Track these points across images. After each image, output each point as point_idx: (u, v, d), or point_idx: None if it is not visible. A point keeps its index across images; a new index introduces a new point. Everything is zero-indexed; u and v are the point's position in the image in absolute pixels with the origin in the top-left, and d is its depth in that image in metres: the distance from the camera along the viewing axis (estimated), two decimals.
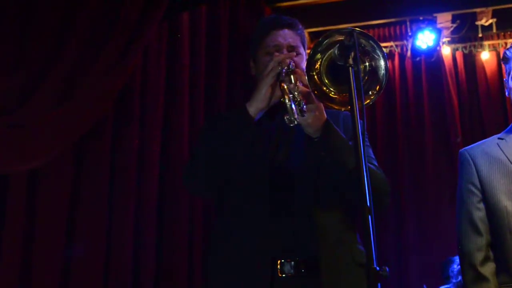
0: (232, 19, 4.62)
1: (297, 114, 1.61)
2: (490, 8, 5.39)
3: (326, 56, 1.60)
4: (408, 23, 5.88)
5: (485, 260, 2.02)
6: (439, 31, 5.66)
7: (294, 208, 1.78)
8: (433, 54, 5.91)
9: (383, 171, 1.85)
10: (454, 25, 5.71)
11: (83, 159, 3.12)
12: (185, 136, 3.87)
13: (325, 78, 1.62)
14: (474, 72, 5.97)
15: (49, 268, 2.80)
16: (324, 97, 1.63)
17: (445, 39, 5.92)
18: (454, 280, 4.21)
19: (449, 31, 5.81)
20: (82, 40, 2.86)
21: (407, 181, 5.77)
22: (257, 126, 1.77)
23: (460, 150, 2.21)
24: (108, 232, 3.21)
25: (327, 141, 1.71)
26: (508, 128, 2.19)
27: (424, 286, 4.41)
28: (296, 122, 1.62)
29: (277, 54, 1.85)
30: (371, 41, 1.55)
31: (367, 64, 1.59)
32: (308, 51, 1.78)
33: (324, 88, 1.63)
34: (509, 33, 5.86)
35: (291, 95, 1.65)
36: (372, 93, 1.59)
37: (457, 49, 6.02)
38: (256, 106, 1.75)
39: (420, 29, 5.66)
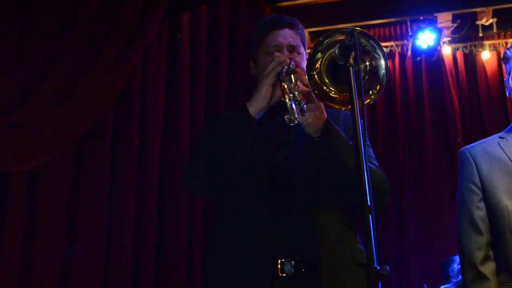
0: (232, 19, 4.62)
1: (298, 114, 1.61)
2: (491, 8, 5.39)
3: (326, 56, 1.60)
4: (408, 22, 5.88)
5: (485, 259, 2.02)
6: (439, 31, 5.66)
7: (294, 208, 1.78)
8: (433, 53, 5.91)
9: (383, 171, 1.85)
10: (455, 25, 5.71)
11: (83, 159, 3.12)
12: (185, 136, 3.87)
13: (325, 78, 1.62)
14: (474, 72, 5.97)
15: (49, 268, 2.80)
16: (324, 96, 1.63)
17: (445, 39, 5.92)
18: (454, 280, 4.21)
19: (449, 31, 5.81)
20: (82, 40, 2.85)
21: (408, 181, 5.77)
22: (258, 126, 1.77)
23: (461, 149, 2.21)
24: (108, 232, 3.20)
25: (328, 140, 1.71)
26: (509, 127, 2.19)
27: (425, 285, 4.41)
28: (296, 122, 1.61)
29: (277, 54, 1.85)
30: (371, 41, 1.55)
31: (367, 63, 1.59)
32: (309, 50, 1.78)
33: (325, 88, 1.63)
34: (509, 32, 5.86)
35: (291, 95, 1.65)
36: (373, 92, 1.59)
37: (457, 49, 6.02)
38: (256, 106, 1.75)
39: (420, 28, 5.66)
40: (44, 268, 2.77)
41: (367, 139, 1.85)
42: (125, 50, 3.04)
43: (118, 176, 3.32)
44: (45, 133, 2.65)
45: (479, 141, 2.21)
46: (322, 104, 1.69)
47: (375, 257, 1.23)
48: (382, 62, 1.57)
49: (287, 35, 1.93)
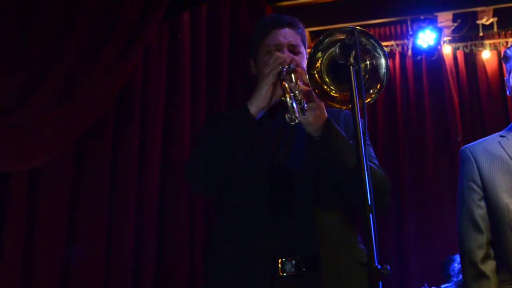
0: (233, 19, 4.61)
1: (298, 113, 1.61)
2: (491, 7, 5.38)
3: (327, 55, 1.60)
4: (409, 22, 5.88)
5: (486, 257, 2.02)
6: (440, 30, 5.66)
7: (295, 208, 1.78)
8: (434, 53, 5.90)
9: (383, 170, 1.85)
10: (455, 24, 5.71)
11: (84, 159, 3.12)
12: (185, 136, 3.87)
13: (326, 77, 1.62)
14: (475, 71, 5.97)
15: (50, 268, 2.80)
16: (325, 95, 1.63)
17: (446, 38, 5.92)
18: (455, 279, 4.21)
19: (450, 30, 5.81)
20: (82, 40, 2.85)
21: (408, 180, 5.77)
22: (258, 125, 1.77)
23: (461, 147, 2.21)
24: (109, 232, 3.20)
25: (328, 140, 1.71)
26: (509, 126, 2.19)
27: (425, 285, 4.40)
28: (297, 121, 1.61)
29: (277, 53, 1.85)
30: (372, 40, 1.55)
31: (368, 62, 1.59)
32: (309, 50, 1.78)
33: (325, 87, 1.63)
34: (510, 32, 5.86)
35: (292, 94, 1.65)
36: (373, 91, 1.59)
37: (458, 48, 6.02)
38: (257, 105, 1.75)
39: (421, 28, 5.66)
40: (44, 268, 2.77)
41: (367, 138, 1.85)
42: (125, 50, 3.04)
43: (119, 176, 3.31)
44: (45, 133, 2.65)
45: (479, 140, 2.21)
46: (322, 103, 1.69)
47: (375, 256, 1.23)
48: (383, 61, 1.57)
49: (287, 35, 1.93)
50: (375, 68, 1.58)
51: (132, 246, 3.33)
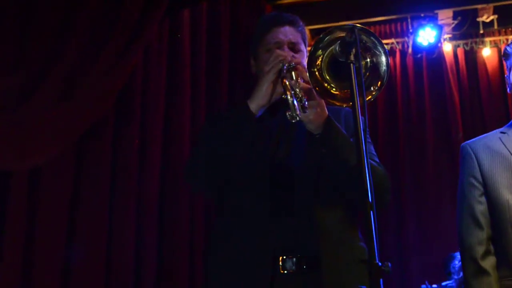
0: (233, 17, 4.61)
1: (299, 110, 1.61)
2: (491, 5, 5.38)
3: (327, 53, 1.60)
4: (409, 20, 5.87)
5: (486, 253, 2.02)
6: (440, 28, 5.66)
7: (295, 206, 1.78)
8: (434, 50, 5.90)
9: (384, 168, 1.85)
10: (455, 22, 5.70)
11: (84, 159, 3.12)
12: (186, 135, 3.86)
13: (326, 75, 1.62)
14: (475, 69, 5.97)
15: (50, 268, 2.79)
16: (325, 93, 1.63)
17: (446, 36, 5.92)
18: (455, 277, 4.21)
19: (450, 28, 5.80)
20: (82, 39, 2.85)
21: (408, 178, 5.77)
22: (258, 123, 1.77)
23: (462, 144, 2.21)
24: (109, 232, 3.20)
25: (329, 137, 1.71)
26: (510, 122, 2.20)
27: (426, 282, 4.41)
28: (298, 118, 1.61)
29: (278, 51, 1.85)
30: (372, 37, 1.55)
31: (368, 60, 1.59)
32: (309, 48, 1.78)
33: (326, 85, 1.63)
34: (510, 29, 5.85)
35: (292, 91, 1.65)
36: (374, 89, 1.59)
37: (458, 46, 6.01)
38: (257, 103, 1.75)
39: (421, 25, 5.66)
40: (44, 268, 2.76)
41: (368, 136, 1.85)
42: (125, 50, 3.04)
43: (119, 176, 3.31)
44: (45, 132, 2.65)
45: (480, 136, 2.21)
46: (323, 101, 1.69)
47: (376, 254, 1.23)
48: (383, 58, 1.57)
49: (287, 32, 1.93)
50: (375, 65, 1.58)
51: (133, 246, 3.33)
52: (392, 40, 6.07)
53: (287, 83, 1.68)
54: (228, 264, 1.77)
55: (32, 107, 2.60)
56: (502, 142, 2.10)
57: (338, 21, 5.10)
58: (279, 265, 1.72)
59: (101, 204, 3.13)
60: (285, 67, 1.74)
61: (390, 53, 6.00)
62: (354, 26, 1.47)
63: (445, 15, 5.62)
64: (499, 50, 5.79)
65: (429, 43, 5.73)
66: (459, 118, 5.79)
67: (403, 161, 5.81)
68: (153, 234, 3.53)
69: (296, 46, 1.93)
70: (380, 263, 1.22)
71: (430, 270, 5.06)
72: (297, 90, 1.65)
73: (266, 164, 1.82)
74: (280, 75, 1.73)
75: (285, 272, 1.72)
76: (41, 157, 2.66)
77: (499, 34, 5.87)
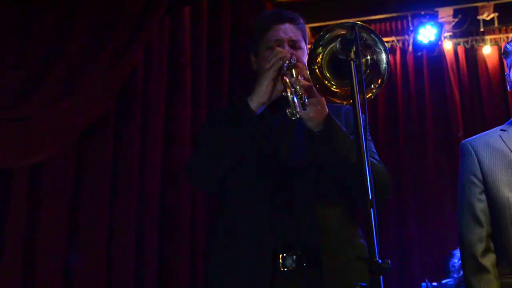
0: (234, 16, 4.60)
1: (299, 108, 1.61)
2: (492, 3, 5.37)
3: (327, 50, 1.60)
4: (409, 18, 5.86)
5: (486, 251, 2.03)
6: (440, 26, 5.65)
7: (295, 204, 1.78)
8: (434, 48, 5.89)
9: (384, 165, 1.85)
10: (456, 20, 5.70)
11: (85, 158, 3.12)
12: (186, 135, 3.86)
13: (326, 72, 1.62)
14: (475, 67, 5.96)
15: (51, 268, 2.80)
16: (325, 91, 1.63)
17: (446, 34, 5.91)
18: (455, 275, 4.21)
19: (450, 26, 5.80)
20: (82, 39, 2.86)
21: (408, 176, 5.76)
22: (259, 120, 1.77)
23: (462, 141, 2.22)
24: (110, 232, 3.20)
25: (329, 135, 1.71)
26: (510, 120, 2.20)
27: (426, 280, 4.41)
28: (298, 116, 1.61)
29: (278, 48, 1.85)
30: (372, 35, 1.55)
31: (368, 57, 1.59)
32: (309, 46, 1.78)
33: (326, 82, 1.63)
34: (511, 27, 5.84)
35: (293, 89, 1.65)
36: (374, 86, 1.59)
37: (458, 44, 6.00)
38: (257, 101, 1.75)
39: (421, 23, 5.65)
40: (45, 268, 2.77)
41: (368, 133, 1.85)
42: (125, 49, 3.04)
43: (120, 175, 3.31)
44: (45, 131, 2.65)
45: (480, 134, 2.22)
46: (323, 98, 1.69)
47: (376, 251, 1.24)
48: (383, 56, 1.57)
49: (288, 30, 1.93)
50: (376, 63, 1.59)
51: (133, 245, 3.33)
52: (393, 38, 6.06)
53: (287, 80, 1.68)
54: (228, 261, 1.78)
55: (32, 106, 2.60)
56: (502, 140, 2.11)
57: (338, 19, 5.08)
58: (279, 262, 1.72)
59: (101, 204, 3.13)
60: (285, 64, 1.74)
61: (391, 51, 5.99)
62: (354, 24, 1.47)
63: (446, 13, 5.61)
64: (500, 48, 5.78)
65: (430, 41, 5.72)
66: (460, 116, 5.78)
67: (403, 159, 5.81)
68: (154, 234, 3.52)
69: (296, 44, 1.93)
70: (380, 260, 1.22)
71: (430, 268, 5.06)
72: (297, 87, 1.65)
73: (266, 162, 1.82)
74: (280, 73, 1.73)
75: (285, 269, 1.72)
76: (41, 155, 2.67)
77: (500, 32, 5.86)
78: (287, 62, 1.74)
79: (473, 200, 2.08)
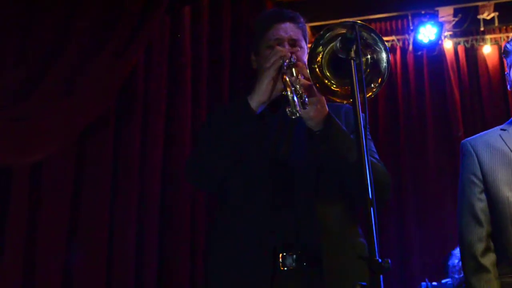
0: (234, 15, 4.60)
1: (299, 107, 1.61)
2: (492, 2, 5.37)
3: (327, 49, 1.60)
4: (409, 17, 5.86)
5: (486, 250, 2.03)
6: (441, 25, 5.65)
7: (295, 203, 1.78)
8: (435, 48, 5.89)
9: (384, 165, 1.85)
10: (456, 19, 5.69)
11: (85, 158, 3.11)
12: (187, 134, 3.85)
13: (326, 71, 1.62)
14: (476, 66, 5.96)
15: (51, 267, 2.79)
16: (326, 90, 1.63)
17: (447, 33, 5.91)
18: (456, 276, 4.21)
19: (451, 25, 5.79)
20: (82, 38, 2.86)
21: (408, 175, 5.76)
22: (259, 119, 1.77)
23: (462, 141, 2.22)
24: (110, 231, 3.20)
25: (329, 134, 1.71)
26: (510, 119, 2.20)
27: (426, 280, 4.41)
28: (298, 114, 1.61)
29: (278, 47, 1.85)
30: (373, 34, 1.55)
31: (369, 56, 1.59)
32: (310, 45, 1.78)
33: (326, 81, 1.63)
34: (511, 27, 5.84)
35: (293, 88, 1.65)
36: (374, 85, 1.59)
37: (459, 43, 6.00)
38: (257, 100, 1.74)
39: (422, 23, 5.65)
40: (46, 266, 2.76)
41: (368, 133, 1.85)
42: (125, 48, 3.04)
43: (120, 175, 3.31)
44: (45, 129, 2.65)
45: (480, 133, 2.22)
46: (323, 97, 1.69)
47: (376, 250, 1.23)
48: (384, 55, 1.57)
49: (288, 29, 1.93)
50: (376, 62, 1.59)
51: (134, 245, 3.32)
52: (393, 37, 6.06)
53: (287, 79, 1.68)
54: (228, 261, 1.78)
55: (33, 105, 2.60)
56: (502, 139, 2.11)
57: (339, 18, 5.08)
58: (280, 262, 1.72)
59: (102, 203, 3.12)
60: (285, 63, 1.74)
61: (391, 50, 5.99)
62: (354, 23, 1.47)
63: (446, 12, 5.61)
64: (500, 48, 5.78)
65: (430, 41, 5.72)
66: (460, 115, 5.78)
67: (404, 158, 5.81)
68: (154, 234, 3.52)
69: (297, 43, 1.93)
70: (380, 260, 1.22)
71: (430, 268, 5.06)
72: (298, 86, 1.65)
73: (266, 161, 1.82)
74: (281, 72, 1.73)
75: (285, 269, 1.72)
76: (41, 155, 2.66)
77: (500, 32, 5.86)
78: (287, 61, 1.74)
79: (473, 200, 2.08)
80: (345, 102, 1.64)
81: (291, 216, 1.76)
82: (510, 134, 2.11)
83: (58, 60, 2.74)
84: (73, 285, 2.91)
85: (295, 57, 1.76)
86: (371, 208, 1.27)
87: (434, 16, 5.60)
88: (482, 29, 5.75)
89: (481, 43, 5.90)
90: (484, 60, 5.91)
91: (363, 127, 1.35)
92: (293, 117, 1.61)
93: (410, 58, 6.07)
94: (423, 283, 4.43)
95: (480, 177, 2.09)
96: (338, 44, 1.52)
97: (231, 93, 4.37)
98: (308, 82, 1.68)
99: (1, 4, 2.61)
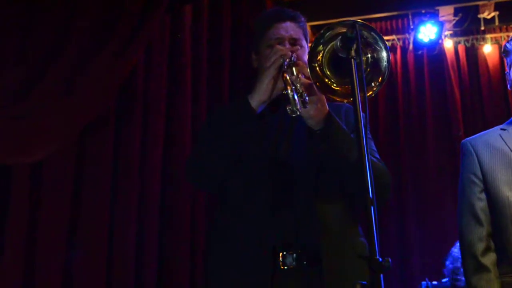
0: (235, 14, 4.60)
1: (300, 105, 1.61)
2: (493, 1, 5.37)
3: (328, 48, 1.60)
4: (410, 16, 5.86)
5: (486, 250, 2.03)
6: (441, 24, 5.65)
7: (296, 202, 1.78)
8: (435, 47, 5.89)
9: (384, 164, 1.85)
10: (456, 18, 5.69)
11: (85, 158, 3.11)
12: (187, 134, 3.85)
13: (327, 70, 1.62)
14: (476, 65, 5.95)
15: (51, 266, 2.79)
16: (326, 89, 1.63)
17: (447, 32, 5.90)
18: (454, 276, 4.20)
19: (451, 24, 5.79)
20: (83, 37, 2.85)
21: (409, 175, 5.76)
22: (259, 119, 1.77)
23: (462, 141, 2.22)
24: (110, 231, 3.19)
25: (329, 133, 1.71)
26: (510, 119, 2.20)
27: (426, 279, 4.41)
28: (298, 113, 1.60)
29: (278, 46, 1.85)
30: (373, 33, 1.55)
31: (369, 55, 1.58)
32: (310, 44, 1.78)
33: (326, 80, 1.63)
34: (511, 26, 5.84)
35: (293, 86, 1.64)
36: (375, 84, 1.59)
37: (459, 42, 6.00)
38: (258, 99, 1.74)
39: (422, 22, 5.65)
40: (46, 266, 2.76)
41: (368, 132, 1.85)
42: (125, 48, 3.03)
43: (120, 175, 3.30)
44: (45, 128, 2.65)
45: (480, 133, 2.22)
46: (323, 96, 1.69)
47: (377, 249, 1.23)
48: (384, 54, 1.57)
49: (289, 28, 1.93)
50: (376, 61, 1.58)
51: (134, 245, 3.32)
52: (393, 37, 6.06)
53: (288, 77, 1.68)
54: (228, 260, 1.78)
55: (33, 104, 2.60)
56: (502, 139, 2.11)
57: (339, 18, 5.08)
58: (280, 261, 1.72)
59: (102, 203, 3.12)
60: (285, 62, 1.74)
61: (391, 49, 5.99)
62: (355, 22, 1.47)
63: (446, 12, 5.61)
64: (500, 47, 5.77)
65: (430, 40, 5.72)
66: (460, 115, 5.78)
67: (404, 158, 5.81)
68: (154, 234, 3.52)
69: (297, 42, 1.93)
70: (380, 259, 1.22)
71: (430, 267, 5.05)
72: (298, 85, 1.65)
73: (266, 161, 1.82)
74: (281, 71, 1.73)
75: (285, 268, 1.72)
76: (41, 153, 2.66)
77: (500, 31, 5.86)
78: (287, 60, 1.74)
79: (473, 199, 2.08)
80: (345, 101, 1.64)
81: (291, 215, 1.76)
82: (510, 134, 2.11)
83: (58, 60, 2.74)
84: (73, 285, 2.91)
85: (295, 56, 1.76)
86: (371, 208, 1.27)
87: (434, 15, 5.60)
88: (482, 28, 5.74)
89: (482, 43, 5.89)
90: (485, 60, 5.91)
91: (364, 126, 1.35)
92: (294, 115, 1.60)
93: (410, 57, 6.07)
94: (423, 283, 4.43)
95: (480, 176, 2.09)
96: (338, 43, 1.52)
97: (231, 93, 4.36)
98: (309, 81, 1.67)
99: (1, 4, 2.61)
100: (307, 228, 1.74)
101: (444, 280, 4.34)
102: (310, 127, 1.74)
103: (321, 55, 1.61)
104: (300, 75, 1.70)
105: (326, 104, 1.72)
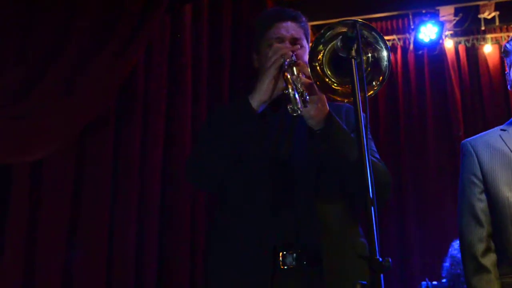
0: (235, 14, 4.59)
1: (300, 104, 1.60)
2: (493, 1, 5.36)
3: (328, 48, 1.60)
4: (410, 16, 5.87)
5: (486, 251, 2.02)
6: (441, 24, 5.65)
7: (296, 201, 1.78)
8: (435, 47, 5.89)
9: (385, 164, 1.85)
10: (457, 18, 5.69)
11: (85, 158, 3.11)
12: (187, 134, 3.85)
13: (327, 70, 1.62)
14: (476, 65, 5.96)
15: (51, 265, 2.79)
16: (326, 88, 1.62)
17: (447, 32, 5.91)
18: (450, 277, 4.19)
19: (451, 24, 5.79)
20: (83, 37, 2.85)
21: (409, 175, 5.76)
22: (260, 118, 1.77)
23: (462, 141, 2.22)
24: (110, 231, 3.19)
25: (330, 133, 1.71)
26: (510, 119, 2.19)
27: (426, 279, 4.40)
28: (299, 112, 1.60)
29: (278, 45, 1.85)
30: (373, 33, 1.55)
31: (369, 55, 1.58)
32: (311, 44, 1.77)
33: (327, 80, 1.63)
34: None
35: (294, 86, 1.64)
36: (375, 84, 1.58)
37: (459, 42, 6.00)
38: (258, 99, 1.74)
39: (422, 22, 5.65)
40: (46, 265, 2.76)
41: (369, 132, 1.85)
42: (125, 48, 3.03)
43: (120, 175, 3.30)
44: (45, 128, 2.65)
45: (480, 134, 2.21)
46: (324, 96, 1.69)
47: (377, 249, 1.23)
48: (385, 53, 1.57)
49: (289, 28, 1.93)
50: (377, 60, 1.58)
51: (134, 245, 3.32)
52: (394, 37, 6.06)
53: (289, 76, 1.67)
54: (228, 260, 1.78)
55: (33, 104, 2.60)
56: (503, 140, 2.10)
57: (339, 17, 5.07)
58: (280, 260, 1.72)
59: (102, 203, 3.12)
60: (286, 62, 1.73)
61: (392, 49, 5.99)
62: (355, 21, 1.47)
63: (447, 12, 5.61)
64: (501, 47, 5.77)
65: (431, 40, 5.72)
66: (460, 115, 5.78)
67: (404, 158, 5.81)
68: (154, 234, 3.52)
69: (298, 42, 1.92)
70: (380, 259, 1.22)
71: (430, 268, 5.05)
72: (299, 85, 1.65)
73: (267, 161, 1.82)
74: (282, 70, 1.73)
75: (286, 267, 1.72)
76: (41, 153, 2.66)
77: (501, 31, 5.86)
78: (288, 59, 1.74)
79: (473, 200, 2.08)
80: (345, 100, 1.63)
81: (292, 215, 1.76)
82: (510, 134, 2.11)
83: (58, 60, 2.74)
84: (73, 285, 2.90)
85: (296, 56, 1.76)
86: (372, 208, 1.27)
87: (435, 15, 5.60)
88: (483, 28, 5.74)
89: (482, 43, 5.90)
90: (485, 60, 5.91)
91: (364, 126, 1.35)
92: (294, 114, 1.60)
93: (411, 57, 6.07)
94: (423, 283, 4.43)
95: (480, 177, 2.09)
96: (339, 43, 1.52)
97: (231, 93, 4.36)
98: (309, 81, 1.67)
99: (1, 4, 2.61)
100: (307, 228, 1.74)
101: (444, 280, 4.33)
102: (310, 127, 1.74)
103: (321, 54, 1.61)
104: (300, 75, 1.70)
105: (327, 104, 1.72)
